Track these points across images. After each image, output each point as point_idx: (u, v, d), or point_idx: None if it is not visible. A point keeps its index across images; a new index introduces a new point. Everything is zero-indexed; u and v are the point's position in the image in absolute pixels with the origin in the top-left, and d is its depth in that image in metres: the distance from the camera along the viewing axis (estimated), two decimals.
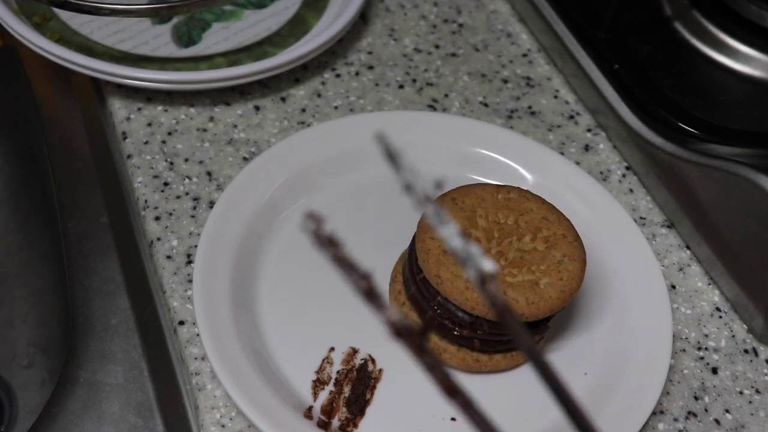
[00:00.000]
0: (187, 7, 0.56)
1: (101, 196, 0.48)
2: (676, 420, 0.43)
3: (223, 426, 0.40)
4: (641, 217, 0.51)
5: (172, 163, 0.50)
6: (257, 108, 0.53)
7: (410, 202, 0.20)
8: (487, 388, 0.43)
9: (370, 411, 0.42)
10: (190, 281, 0.45)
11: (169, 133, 0.51)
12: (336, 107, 0.54)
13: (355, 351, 0.43)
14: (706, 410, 0.43)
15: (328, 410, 0.41)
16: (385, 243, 0.46)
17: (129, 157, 0.50)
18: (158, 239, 0.46)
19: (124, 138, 0.51)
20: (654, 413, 0.42)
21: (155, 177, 0.49)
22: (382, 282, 0.46)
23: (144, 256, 0.46)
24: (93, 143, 0.50)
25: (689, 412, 0.43)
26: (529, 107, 0.56)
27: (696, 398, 0.44)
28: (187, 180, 0.49)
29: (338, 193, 0.50)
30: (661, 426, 0.42)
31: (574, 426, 0.22)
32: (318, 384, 0.42)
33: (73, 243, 0.46)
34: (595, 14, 0.55)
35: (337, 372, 0.42)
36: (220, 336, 0.41)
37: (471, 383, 0.43)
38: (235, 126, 0.52)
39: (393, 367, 0.43)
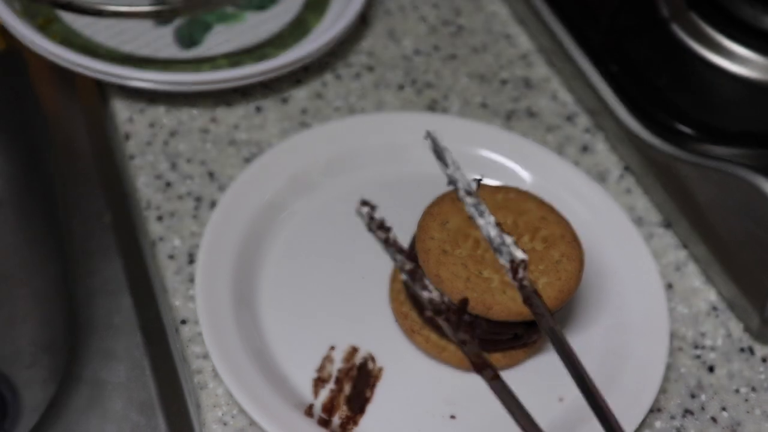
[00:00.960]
0: (189, 9, 0.57)
1: (104, 196, 0.48)
2: (672, 418, 0.43)
3: (224, 424, 0.41)
4: (639, 217, 0.51)
5: (174, 164, 0.50)
6: (259, 109, 0.54)
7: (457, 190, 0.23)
8: (486, 387, 0.43)
9: (370, 409, 0.42)
10: (192, 280, 0.45)
11: (172, 134, 0.52)
12: (336, 108, 0.54)
13: (355, 349, 0.44)
14: (702, 408, 0.44)
15: (329, 408, 0.42)
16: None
17: (131, 157, 0.50)
18: (160, 239, 0.47)
19: (127, 139, 0.51)
20: (651, 411, 0.43)
21: (157, 177, 0.49)
22: (383, 282, 0.46)
23: (146, 255, 0.46)
24: (95, 144, 0.51)
25: (686, 410, 0.44)
26: (528, 108, 0.56)
27: (693, 396, 0.44)
28: (189, 180, 0.49)
29: (339, 193, 0.50)
30: (658, 424, 0.43)
31: (590, 403, 0.24)
32: (319, 382, 0.42)
33: (75, 243, 0.46)
34: (593, 16, 0.55)
35: (338, 370, 0.43)
36: (221, 334, 0.42)
37: (470, 382, 0.43)
38: (237, 127, 0.52)
39: (393, 366, 0.44)
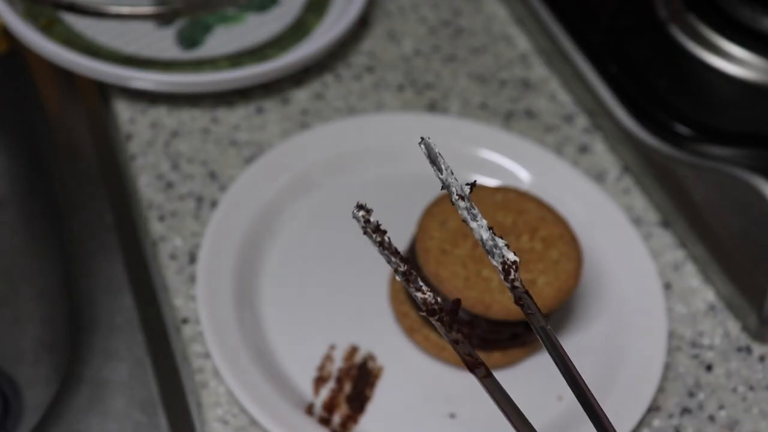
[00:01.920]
0: (191, 10, 0.57)
1: (105, 196, 0.48)
2: (671, 416, 0.43)
3: (225, 422, 0.41)
4: (637, 217, 0.51)
5: (175, 164, 0.50)
6: (259, 110, 0.54)
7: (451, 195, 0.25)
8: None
9: (370, 408, 0.42)
10: (193, 280, 0.45)
11: (173, 135, 0.52)
12: (337, 109, 0.55)
13: (355, 348, 0.44)
14: (700, 407, 0.44)
15: (329, 407, 0.42)
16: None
17: (133, 157, 0.50)
18: (162, 239, 0.47)
19: (128, 139, 0.51)
20: (649, 410, 0.43)
21: (159, 177, 0.50)
22: (382, 281, 0.47)
23: (148, 255, 0.47)
24: (97, 144, 0.51)
25: (684, 409, 0.44)
26: (527, 109, 0.56)
27: (691, 395, 0.44)
28: (190, 180, 0.50)
29: (339, 193, 0.50)
30: (656, 422, 0.43)
31: (582, 404, 0.25)
32: (319, 381, 0.43)
33: (77, 242, 0.46)
34: (592, 17, 0.56)
35: (338, 369, 0.43)
36: (222, 334, 0.42)
37: (470, 380, 0.43)
38: (238, 127, 0.53)
39: (393, 365, 0.44)
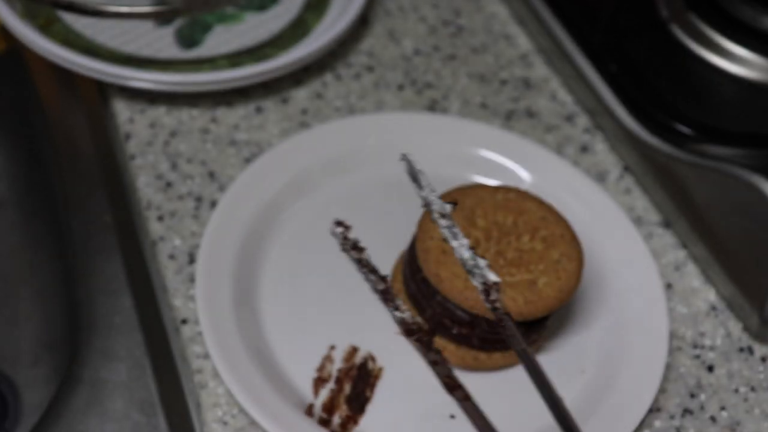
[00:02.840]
0: (190, 9, 0.57)
1: (104, 196, 0.48)
2: (672, 417, 0.43)
3: (225, 423, 0.41)
4: (638, 217, 0.51)
5: (174, 164, 0.50)
6: (259, 109, 0.54)
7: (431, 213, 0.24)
8: (485, 386, 0.43)
9: (370, 408, 0.42)
10: (193, 280, 0.45)
11: (172, 134, 0.52)
12: (336, 108, 0.55)
13: (355, 349, 0.44)
14: (702, 408, 0.44)
15: (329, 408, 0.42)
16: (384, 243, 0.47)
17: (132, 157, 0.50)
18: (161, 239, 0.47)
19: (127, 139, 0.51)
20: (650, 411, 0.43)
21: (158, 177, 0.49)
22: None
23: (147, 255, 0.47)
24: (96, 144, 0.51)
25: (685, 410, 0.44)
26: (528, 108, 0.56)
27: (692, 396, 0.44)
28: (189, 180, 0.50)
29: (339, 193, 0.50)
30: (657, 423, 0.43)
31: (561, 427, 0.24)
32: (319, 382, 0.43)
33: (76, 242, 0.46)
34: (593, 17, 0.56)
35: (338, 370, 0.43)
36: (222, 334, 0.42)
37: (470, 381, 0.43)
38: (237, 127, 0.53)
39: (393, 366, 0.44)
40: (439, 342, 0.43)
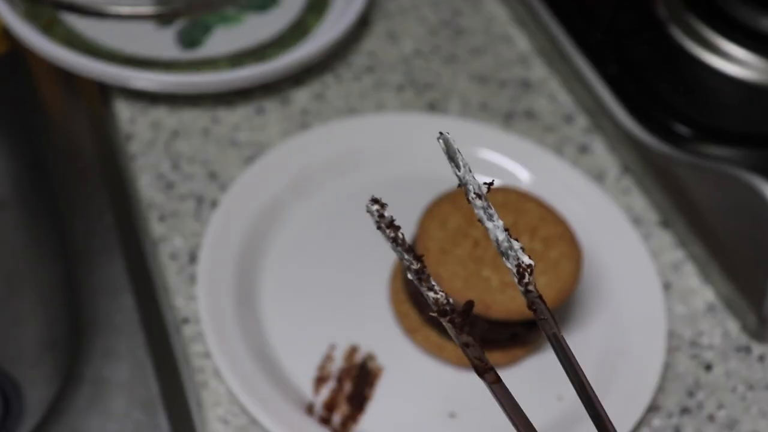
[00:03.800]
0: (191, 10, 0.57)
1: (106, 196, 0.48)
2: (670, 416, 0.43)
3: (226, 422, 0.41)
4: (637, 217, 0.51)
5: (175, 164, 0.50)
6: (259, 110, 0.54)
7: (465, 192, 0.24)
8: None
9: (370, 407, 0.42)
10: (194, 280, 0.45)
11: (173, 135, 0.52)
12: (337, 109, 0.55)
13: (355, 348, 0.44)
14: (700, 407, 0.44)
15: (330, 406, 0.42)
16: (384, 242, 0.47)
17: (133, 158, 0.51)
18: (162, 239, 0.47)
19: (129, 139, 0.51)
20: (649, 409, 0.43)
21: (159, 177, 0.50)
22: (383, 281, 0.47)
23: (148, 255, 0.47)
24: (98, 144, 0.51)
25: (683, 409, 0.44)
26: (527, 109, 0.56)
27: (690, 395, 0.44)
28: (190, 180, 0.50)
29: (339, 193, 0.50)
30: (656, 422, 0.43)
31: (590, 412, 0.24)
32: (319, 381, 0.43)
33: (78, 242, 0.46)
34: (591, 18, 0.56)
35: (339, 369, 0.43)
36: (223, 334, 0.42)
37: (470, 380, 0.43)
38: (238, 127, 0.53)
39: (393, 365, 0.44)
40: (440, 341, 0.43)
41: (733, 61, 0.51)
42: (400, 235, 0.22)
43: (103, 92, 0.54)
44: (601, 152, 0.54)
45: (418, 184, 0.48)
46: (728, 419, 0.44)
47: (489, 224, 0.23)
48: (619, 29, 0.55)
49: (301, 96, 0.55)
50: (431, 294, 0.23)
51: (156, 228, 0.47)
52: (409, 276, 0.22)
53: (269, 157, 0.49)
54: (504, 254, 0.23)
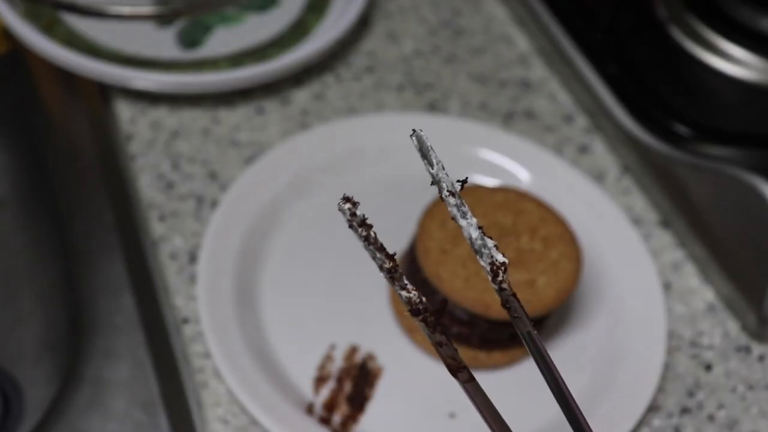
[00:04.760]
0: (191, 10, 0.57)
1: (106, 196, 0.48)
2: (670, 416, 0.43)
3: (226, 422, 0.41)
4: (637, 217, 0.51)
5: (175, 164, 0.50)
6: (260, 110, 0.54)
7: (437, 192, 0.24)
8: (485, 385, 0.43)
9: (370, 407, 0.42)
10: (194, 280, 0.45)
11: (173, 135, 0.52)
12: (337, 109, 0.55)
13: (355, 348, 0.44)
14: (700, 406, 0.44)
15: (330, 406, 0.42)
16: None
17: (133, 158, 0.51)
18: (162, 238, 0.47)
19: (129, 139, 0.51)
20: (649, 409, 0.43)
21: (159, 177, 0.50)
22: (383, 281, 0.47)
23: (148, 255, 0.47)
24: (98, 145, 0.51)
25: (683, 409, 0.44)
26: (527, 109, 0.56)
27: (690, 395, 0.44)
28: (190, 180, 0.50)
29: (339, 193, 0.50)
30: (656, 422, 0.43)
31: (568, 417, 0.24)
32: (319, 381, 0.43)
33: (78, 242, 0.46)
34: (591, 18, 0.56)
35: (339, 369, 0.43)
36: (223, 334, 0.42)
37: None
38: (238, 127, 0.53)
39: (393, 365, 0.44)
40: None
41: (733, 61, 0.51)
42: (372, 234, 0.22)
43: (103, 92, 0.54)
44: (601, 152, 0.54)
45: (418, 184, 0.48)
46: (728, 419, 0.44)
47: (463, 222, 0.23)
48: (619, 29, 0.55)
49: (301, 96, 0.55)
50: (404, 293, 0.23)
51: (156, 228, 0.48)
52: (382, 275, 0.22)
53: (269, 157, 0.49)
54: (478, 252, 0.23)
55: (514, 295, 0.23)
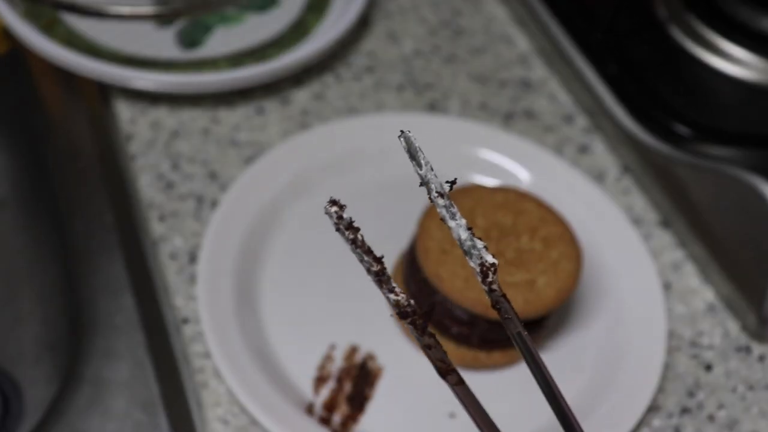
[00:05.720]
0: (191, 10, 0.57)
1: (106, 196, 0.48)
2: (670, 416, 0.43)
3: (226, 422, 0.41)
4: (637, 217, 0.51)
5: (175, 164, 0.50)
6: (260, 110, 0.54)
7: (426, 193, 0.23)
8: (485, 385, 0.43)
9: (370, 407, 0.42)
10: (194, 280, 0.45)
11: (173, 135, 0.52)
12: (337, 109, 0.55)
13: (355, 348, 0.44)
14: (700, 407, 0.44)
15: (330, 406, 0.42)
16: (384, 243, 0.47)
17: (133, 158, 0.51)
18: (162, 238, 0.47)
19: (129, 139, 0.51)
20: (649, 409, 0.43)
21: (159, 177, 0.50)
22: None
23: (148, 255, 0.47)
24: (98, 145, 0.51)
25: (683, 409, 0.44)
26: (527, 109, 0.56)
27: (690, 395, 0.44)
28: (190, 180, 0.50)
29: (339, 193, 0.50)
30: (656, 422, 0.43)
31: (560, 419, 0.24)
32: (319, 381, 0.43)
33: (78, 243, 0.46)
34: (591, 18, 0.56)
35: (339, 369, 0.43)
36: (223, 334, 0.42)
37: (469, 380, 0.43)
38: (238, 127, 0.53)
39: (393, 365, 0.44)
40: (439, 341, 0.43)
41: (733, 61, 0.51)
42: (360, 237, 0.22)
43: (103, 92, 0.54)
44: (601, 152, 0.54)
45: (418, 185, 0.48)
46: (728, 419, 0.44)
47: (452, 223, 0.23)
48: (619, 29, 0.55)
49: (301, 96, 0.55)
50: (392, 296, 0.22)
51: (156, 228, 0.48)
52: (369, 278, 0.22)
53: (269, 157, 0.49)
54: (467, 253, 0.23)
55: (504, 296, 0.23)
